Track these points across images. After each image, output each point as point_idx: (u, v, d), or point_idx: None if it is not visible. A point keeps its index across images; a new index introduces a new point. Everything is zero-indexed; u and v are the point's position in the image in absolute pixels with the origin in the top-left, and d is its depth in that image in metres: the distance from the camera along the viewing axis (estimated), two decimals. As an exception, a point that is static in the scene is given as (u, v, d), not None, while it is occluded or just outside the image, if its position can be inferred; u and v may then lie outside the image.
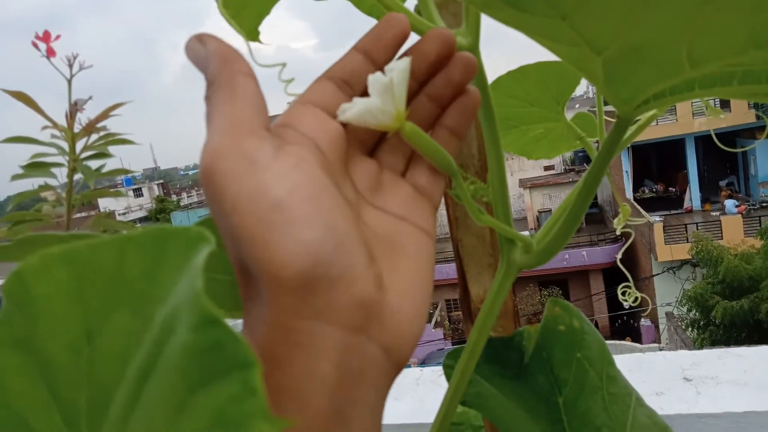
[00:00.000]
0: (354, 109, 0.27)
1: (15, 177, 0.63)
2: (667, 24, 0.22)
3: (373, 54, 0.28)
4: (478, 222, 0.32)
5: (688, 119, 15.78)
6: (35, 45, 0.51)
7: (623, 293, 0.46)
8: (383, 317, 0.23)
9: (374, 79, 0.27)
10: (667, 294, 12.81)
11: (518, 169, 20.87)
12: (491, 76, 0.47)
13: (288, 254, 0.21)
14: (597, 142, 0.48)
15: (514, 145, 0.50)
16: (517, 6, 0.22)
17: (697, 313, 9.67)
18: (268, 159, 0.23)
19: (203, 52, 0.26)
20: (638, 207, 15.11)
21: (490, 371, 0.40)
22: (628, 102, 0.29)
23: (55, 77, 0.59)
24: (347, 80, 0.28)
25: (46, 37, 0.51)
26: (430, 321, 15.91)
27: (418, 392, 0.85)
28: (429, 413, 0.75)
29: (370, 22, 0.34)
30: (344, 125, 0.28)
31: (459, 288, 0.42)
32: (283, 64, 0.35)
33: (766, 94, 0.29)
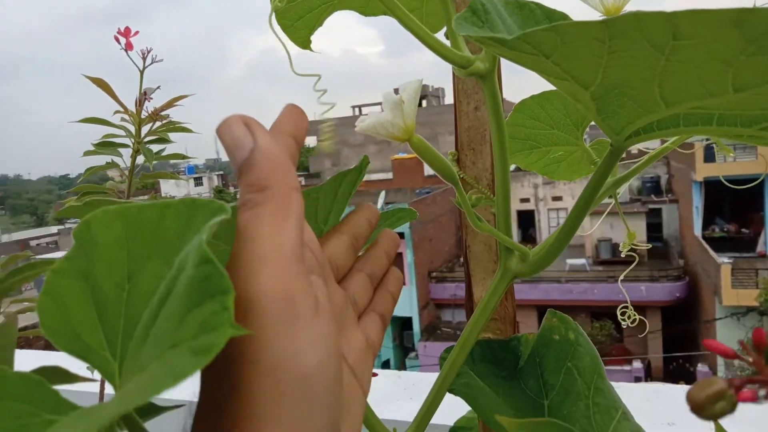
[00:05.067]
0: (367, 122, 0.31)
1: (87, 153, 0.71)
2: (635, 69, 0.25)
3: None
4: (477, 229, 0.36)
5: (770, 158, 14.90)
6: (117, 39, 0.59)
7: (622, 314, 0.48)
8: None
9: (387, 97, 0.31)
10: (730, 341, 12.11)
11: (579, 190, 20.25)
12: (520, 97, 0.51)
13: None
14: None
15: (537, 164, 0.53)
16: (505, 45, 0.26)
17: (760, 364, 9.08)
18: (308, 316, 0.22)
19: (247, 142, 0.24)
20: (706, 246, 14.38)
21: (486, 369, 0.43)
22: (619, 133, 0.33)
23: (129, 67, 0.67)
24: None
25: (126, 32, 0.59)
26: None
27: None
28: (444, 414, 0.79)
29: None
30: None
31: (465, 291, 0.46)
32: (318, 76, 0.40)
33: (750, 137, 0.31)
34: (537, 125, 0.49)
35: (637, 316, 0.46)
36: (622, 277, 0.57)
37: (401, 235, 16.94)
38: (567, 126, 0.48)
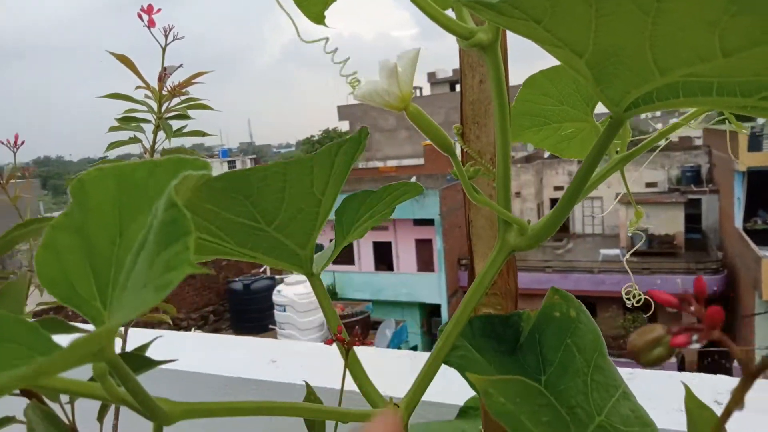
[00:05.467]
0: (364, 89, 0.32)
1: (111, 129, 0.73)
2: (625, 33, 0.25)
3: None
4: (473, 200, 0.36)
5: (820, 148, 14.28)
6: (140, 16, 0.61)
7: (627, 293, 0.47)
8: None
9: (382, 64, 0.32)
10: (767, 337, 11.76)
11: (616, 182, 19.84)
12: (532, 71, 0.50)
13: None
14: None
15: (546, 141, 0.52)
16: (495, 9, 0.26)
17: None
18: None
19: None
20: (747, 238, 13.92)
21: (484, 344, 0.43)
22: (618, 103, 0.32)
23: (158, 49, 0.68)
24: None
25: (149, 9, 0.61)
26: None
27: (447, 375, 0.90)
28: (456, 394, 0.79)
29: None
30: None
31: (468, 265, 0.46)
32: (347, 59, 0.39)
33: (753, 108, 0.30)
34: (547, 101, 0.48)
35: (642, 296, 0.45)
36: (629, 255, 0.55)
37: (431, 221, 16.90)
38: (577, 102, 0.47)
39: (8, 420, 0.38)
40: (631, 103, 0.32)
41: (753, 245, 13.39)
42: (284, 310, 10.93)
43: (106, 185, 0.25)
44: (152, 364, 0.39)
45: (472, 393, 0.68)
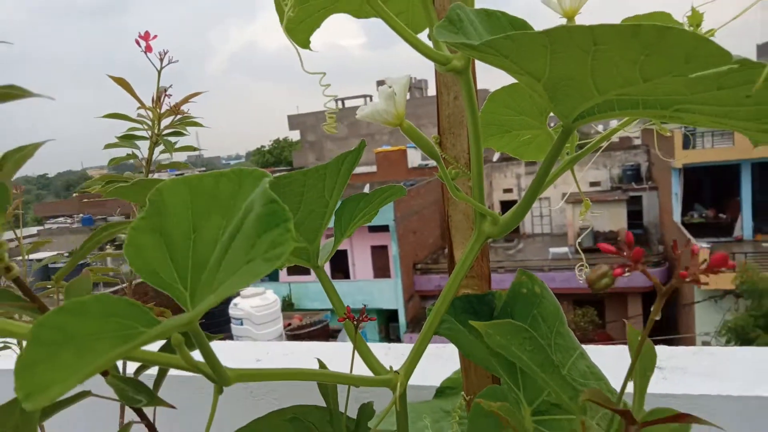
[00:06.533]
0: (366, 110, 0.39)
1: (108, 146, 0.78)
2: (572, 66, 0.33)
3: None
4: (455, 197, 0.44)
5: (746, 144, 15.25)
6: (137, 42, 0.66)
7: (580, 270, 0.56)
8: None
9: (382, 90, 0.39)
10: (707, 323, 12.43)
11: (562, 182, 20.59)
12: (497, 85, 0.59)
13: None
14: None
15: (509, 146, 0.61)
16: (474, 48, 0.34)
17: (736, 346, 9.38)
18: None
19: None
20: (685, 231, 14.69)
21: (465, 318, 0.51)
22: (568, 116, 0.41)
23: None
24: None
25: (146, 36, 0.66)
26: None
27: (422, 363, 0.98)
28: (427, 378, 0.87)
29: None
30: None
31: (447, 255, 0.54)
32: (323, 74, 0.47)
33: (671, 117, 0.40)
34: (508, 112, 0.57)
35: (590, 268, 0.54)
36: (580, 239, 0.64)
37: (386, 228, 17.03)
38: (533, 112, 0.56)
39: (85, 394, 0.43)
40: (578, 116, 0.40)
41: (691, 238, 14.13)
42: (241, 323, 10.77)
43: (180, 192, 0.31)
44: (211, 338, 0.44)
45: (447, 375, 0.76)
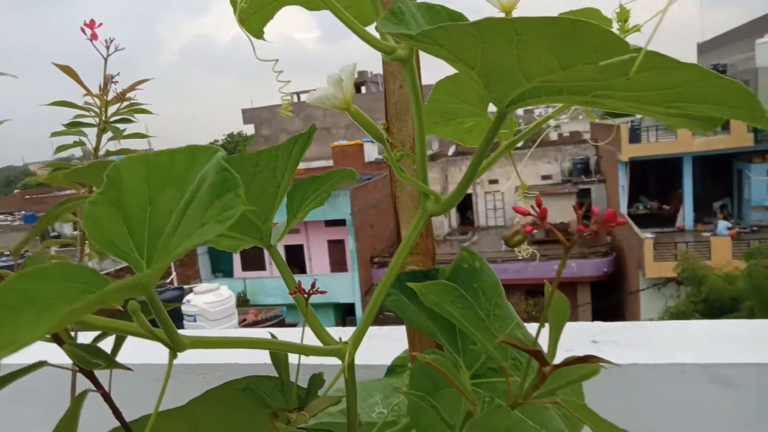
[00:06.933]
0: (315, 95, 0.42)
1: (54, 134, 0.78)
2: (500, 54, 0.37)
3: None
4: (400, 178, 0.47)
5: (687, 138, 15.97)
6: (83, 30, 0.66)
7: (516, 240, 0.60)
8: None
9: (330, 76, 0.42)
10: (652, 310, 12.99)
11: (515, 175, 21.00)
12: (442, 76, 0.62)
13: None
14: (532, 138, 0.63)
15: (453, 133, 0.64)
16: (413, 38, 0.37)
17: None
18: None
19: None
20: (631, 222, 15.28)
21: (411, 293, 0.55)
22: (501, 101, 0.44)
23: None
24: None
25: (92, 24, 0.66)
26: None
27: (372, 343, 1.01)
28: (379, 358, 0.90)
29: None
30: None
31: (395, 233, 0.57)
32: (276, 60, 0.49)
33: (592, 102, 0.44)
34: (451, 100, 0.60)
35: (531, 249, 0.58)
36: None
37: (343, 222, 17.02)
38: (474, 100, 0.60)
39: (41, 364, 0.43)
40: (511, 101, 0.44)
41: (636, 228, 14.73)
42: (195, 320, 10.59)
43: (137, 168, 0.33)
44: (167, 306, 0.46)
45: (397, 354, 0.79)
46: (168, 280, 13.22)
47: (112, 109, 0.78)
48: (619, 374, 0.78)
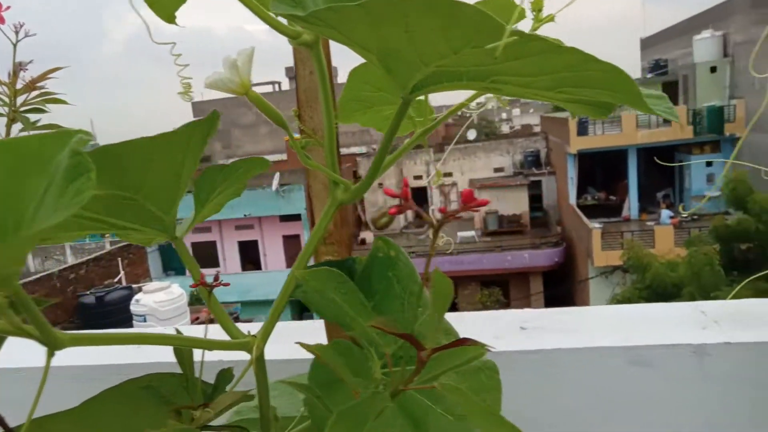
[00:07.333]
0: (211, 78, 0.40)
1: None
2: (393, 37, 0.36)
3: None
4: (307, 165, 0.46)
5: (632, 131, 16.56)
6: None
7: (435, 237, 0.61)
8: None
9: (225, 59, 0.40)
10: (601, 297, 13.44)
11: (469, 169, 21.34)
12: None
13: None
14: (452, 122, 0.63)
15: (372, 121, 0.64)
16: (301, 19, 0.36)
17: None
18: None
19: None
20: (580, 213, 15.74)
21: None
22: (404, 87, 0.44)
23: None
24: None
25: (-1, 6, 0.62)
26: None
27: (302, 336, 0.99)
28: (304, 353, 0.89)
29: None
30: None
31: (309, 221, 0.56)
32: (173, 43, 0.47)
33: (491, 88, 0.44)
34: (367, 88, 0.60)
35: (446, 237, 0.58)
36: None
37: (298, 217, 16.87)
38: (390, 88, 0.59)
39: None
40: (413, 87, 0.44)
41: (585, 219, 15.18)
42: (144, 320, 10.29)
43: (2, 154, 0.31)
44: (42, 302, 0.44)
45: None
46: (116, 280, 12.80)
47: (22, 99, 0.73)
48: (545, 359, 0.80)
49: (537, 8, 0.65)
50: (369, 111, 0.62)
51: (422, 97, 0.63)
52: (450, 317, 0.95)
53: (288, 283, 0.48)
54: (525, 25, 0.62)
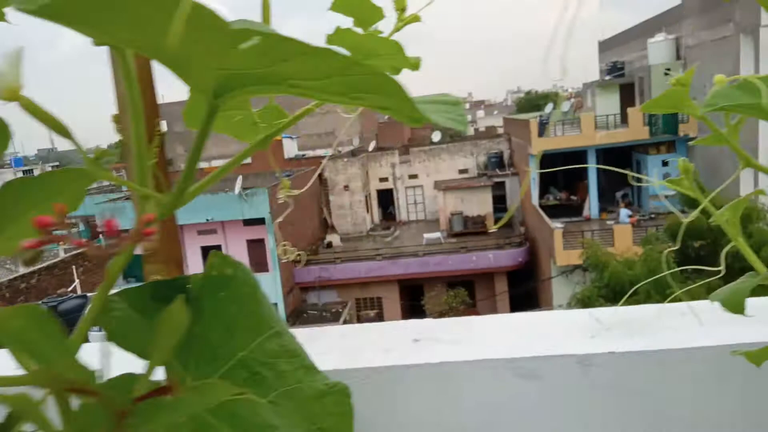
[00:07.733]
0: (-36, 81, 0.35)
1: None
2: (160, 36, 0.32)
3: None
4: (100, 177, 0.41)
5: (591, 132, 16.90)
6: None
7: (284, 251, 0.57)
8: None
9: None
10: (563, 296, 13.66)
11: (434, 170, 21.46)
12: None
13: None
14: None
15: (224, 126, 0.60)
16: (35, 13, 0.31)
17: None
18: None
19: None
20: (542, 213, 15.98)
21: (155, 308, 0.49)
22: (206, 93, 0.40)
23: None
24: None
25: None
26: (338, 320, 16.04)
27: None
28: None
29: None
30: None
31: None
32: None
33: (290, 91, 0.40)
34: (211, 92, 0.55)
35: (297, 251, 0.54)
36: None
37: (262, 221, 16.67)
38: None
39: None
40: (214, 92, 0.40)
41: (547, 219, 15.41)
42: (100, 329, 9.97)
43: None
44: None
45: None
46: (70, 289, 12.40)
47: None
48: (436, 373, 0.77)
49: (400, 7, 0.62)
50: (221, 116, 0.58)
51: (268, 101, 0.60)
52: (345, 330, 0.92)
53: (93, 307, 0.44)
54: (385, 24, 0.59)
